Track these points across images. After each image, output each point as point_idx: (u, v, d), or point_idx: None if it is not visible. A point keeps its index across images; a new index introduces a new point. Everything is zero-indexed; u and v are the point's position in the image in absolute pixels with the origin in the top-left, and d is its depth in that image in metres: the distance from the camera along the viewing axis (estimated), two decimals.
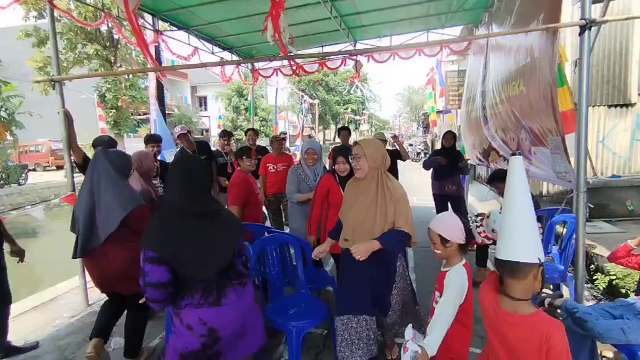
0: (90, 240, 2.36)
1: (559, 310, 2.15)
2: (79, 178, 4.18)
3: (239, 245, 1.81)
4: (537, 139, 3.16)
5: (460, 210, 5.09)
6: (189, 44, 5.98)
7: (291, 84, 32.84)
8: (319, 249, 2.52)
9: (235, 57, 7.11)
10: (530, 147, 3.38)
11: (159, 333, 3.14)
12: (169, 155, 4.92)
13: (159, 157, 4.29)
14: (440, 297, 1.83)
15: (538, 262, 1.31)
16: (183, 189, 1.66)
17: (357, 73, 7.89)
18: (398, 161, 5.23)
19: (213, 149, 5.30)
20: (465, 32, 7.43)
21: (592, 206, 3.99)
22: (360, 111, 41.67)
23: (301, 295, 2.86)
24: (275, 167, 5.04)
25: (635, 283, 3.30)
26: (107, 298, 2.74)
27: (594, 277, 4.01)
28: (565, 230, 3.44)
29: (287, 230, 5.03)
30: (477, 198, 8.72)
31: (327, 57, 7.11)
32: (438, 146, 5.98)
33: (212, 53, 6.59)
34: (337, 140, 6.06)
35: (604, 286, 3.84)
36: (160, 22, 5.38)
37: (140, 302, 1.94)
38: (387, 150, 5.11)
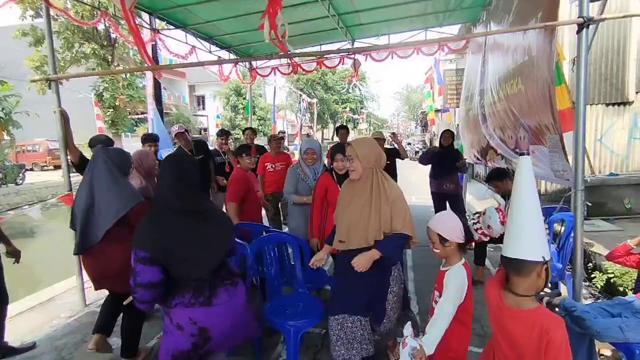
0: (89, 237, 2.35)
1: (557, 309, 2.15)
2: (76, 178, 4.16)
3: (231, 244, 1.81)
4: (535, 137, 3.16)
5: (459, 208, 5.09)
6: (186, 43, 5.96)
7: (289, 83, 32.79)
8: (317, 257, 2.40)
9: (232, 56, 7.08)
10: (529, 146, 3.37)
11: (157, 333, 3.13)
12: (166, 154, 4.89)
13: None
14: (439, 296, 1.83)
15: (542, 260, 1.34)
16: (174, 187, 1.65)
17: (356, 72, 7.88)
18: (396, 160, 5.23)
19: (211, 148, 5.29)
20: (463, 30, 7.41)
21: (590, 204, 4.00)
22: (359, 110, 41.67)
23: (299, 295, 2.86)
24: (273, 166, 5.03)
25: (633, 281, 3.31)
26: (109, 294, 2.74)
27: (592, 276, 4.01)
28: (563, 228, 3.44)
29: (285, 229, 5.02)
30: (475, 197, 8.72)
31: (325, 56, 7.08)
32: (436, 145, 5.98)
33: (210, 52, 6.57)
34: (336, 139, 6.05)
35: (602, 284, 3.84)
36: (157, 20, 5.36)
37: (125, 302, 1.92)
38: (386, 149, 5.14)
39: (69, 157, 3.56)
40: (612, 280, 3.71)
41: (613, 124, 6.42)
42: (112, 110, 16.91)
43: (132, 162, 2.89)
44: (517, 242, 1.37)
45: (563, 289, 3.35)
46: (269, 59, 7.37)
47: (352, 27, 6.31)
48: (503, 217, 1.81)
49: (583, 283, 3.01)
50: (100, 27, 15.24)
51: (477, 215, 1.92)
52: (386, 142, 5.30)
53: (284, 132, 8.55)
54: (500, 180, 3.72)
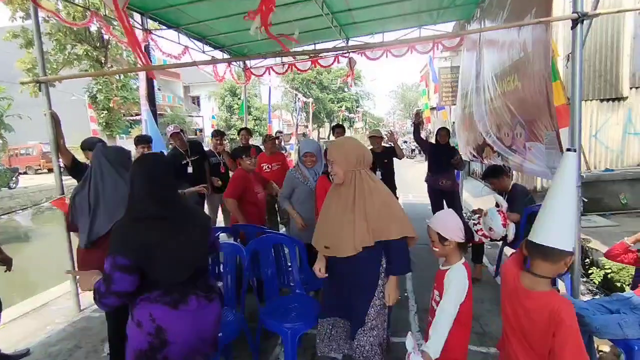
0: (96, 229, 2.32)
1: None
2: (69, 181, 4.12)
3: (210, 243, 1.76)
4: (531, 134, 3.15)
5: (455, 205, 5.08)
6: (179, 43, 5.91)
7: (285, 82, 32.74)
8: (318, 268, 2.18)
9: (226, 56, 7.04)
10: (525, 143, 3.37)
11: None
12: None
13: None
14: (439, 296, 1.82)
15: (572, 251, 1.45)
16: (147, 191, 1.58)
17: (351, 70, 7.86)
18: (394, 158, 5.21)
19: (206, 148, 5.24)
20: (457, 28, 7.42)
21: (586, 200, 3.99)
22: (355, 109, 41.65)
23: (296, 296, 2.83)
24: (269, 166, 5.00)
25: (631, 277, 3.31)
26: None
27: (589, 271, 4.01)
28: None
29: (282, 230, 4.99)
30: (472, 194, 8.74)
31: (319, 55, 7.06)
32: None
33: (203, 52, 6.52)
34: (332, 138, 6.04)
35: (599, 280, 3.85)
36: (149, 21, 5.30)
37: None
38: (384, 147, 5.13)
39: (60, 161, 3.51)
40: (609, 276, 3.71)
41: (607, 119, 6.43)
42: (106, 112, 16.78)
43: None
44: (553, 231, 1.43)
45: (561, 286, 3.34)
46: (265, 58, 7.35)
47: (346, 25, 6.29)
48: (504, 219, 1.78)
49: (580, 279, 3.00)
50: (93, 28, 15.13)
51: (477, 216, 1.89)
52: (383, 140, 5.25)
53: (282, 132, 8.50)
54: (496, 177, 3.72)
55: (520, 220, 3.39)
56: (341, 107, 38.75)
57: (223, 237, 4.03)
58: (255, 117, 26.55)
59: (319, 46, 7.10)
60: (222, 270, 2.94)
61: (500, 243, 3.90)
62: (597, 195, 5.58)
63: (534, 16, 2.88)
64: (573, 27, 2.32)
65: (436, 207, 5.26)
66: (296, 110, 26.21)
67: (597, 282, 3.88)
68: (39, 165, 19.77)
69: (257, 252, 2.91)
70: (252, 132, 6.37)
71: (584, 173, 5.47)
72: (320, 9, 5.15)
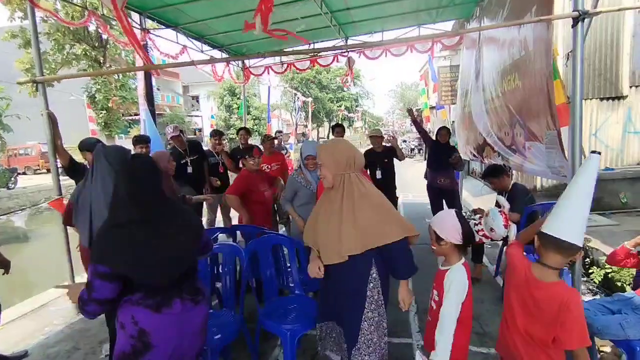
0: (93, 231, 2.29)
1: None
2: (67, 182, 4.10)
3: (199, 246, 1.72)
4: (531, 134, 3.14)
5: (455, 205, 5.06)
6: (177, 43, 5.88)
7: (284, 82, 32.70)
8: (314, 269, 2.05)
9: (225, 56, 7.02)
10: (524, 142, 3.35)
11: None
12: None
13: None
14: (438, 295, 1.82)
15: (582, 246, 1.54)
16: (130, 195, 1.54)
17: (350, 70, 7.84)
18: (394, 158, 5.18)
19: (205, 148, 5.23)
20: (456, 27, 7.40)
21: None
22: (354, 108, 41.64)
23: (296, 297, 2.82)
24: (269, 167, 4.98)
25: (631, 276, 3.30)
26: None
27: (590, 271, 4.00)
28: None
29: (281, 230, 4.98)
30: (472, 193, 8.73)
31: (318, 54, 7.03)
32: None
33: (202, 51, 6.49)
34: (331, 137, 6.03)
35: (600, 279, 3.84)
36: (147, 20, 5.28)
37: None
38: (384, 146, 5.11)
39: (58, 161, 3.49)
40: (609, 276, 3.70)
41: (607, 118, 6.42)
42: (104, 112, 16.77)
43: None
44: (570, 226, 1.50)
45: None
46: (262, 58, 7.32)
47: (345, 24, 6.26)
48: (506, 220, 1.77)
49: (581, 279, 2.99)
50: (92, 28, 15.10)
51: (478, 216, 1.87)
52: (383, 140, 5.23)
53: (281, 132, 8.47)
54: (496, 177, 3.70)
55: (520, 219, 3.39)
56: (340, 106, 38.74)
57: (222, 237, 4.01)
58: (254, 117, 26.53)
59: (317, 45, 7.08)
60: (220, 271, 2.93)
61: (500, 243, 3.88)
62: (597, 194, 5.52)
63: (535, 14, 2.86)
64: (574, 26, 2.30)
65: (435, 205, 5.24)
66: (295, 109, 26.20)
67: (597, 282, 3.87)
68: (38, 165, 19.74)
69: (257, 253, 2.89)
70: (251, 131, 6.34)
71: None
72: (319, 7, 5.13)
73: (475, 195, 8.42)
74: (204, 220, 5.06)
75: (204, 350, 1.91)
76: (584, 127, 6.18)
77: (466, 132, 5.96)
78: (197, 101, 33.81)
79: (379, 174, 4.94)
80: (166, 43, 5.79)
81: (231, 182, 5.33)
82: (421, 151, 22.00)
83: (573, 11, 2.28)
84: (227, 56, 7.01)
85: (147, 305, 1.51)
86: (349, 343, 1.87)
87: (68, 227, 3.52)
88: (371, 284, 1.86)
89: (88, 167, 3.53)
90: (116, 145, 2.81)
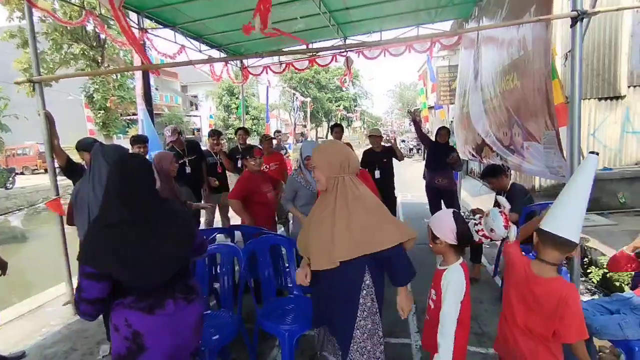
0: None
1: None
2: (64, 182, 4.09)
3: (192, 247, 1.69)
4: (529, 134, 3.14)
5: (453, 205, 5.06)
6: (175, 42, 5.87)
7: (282, 82, 32.69)
8: (301, 276, 1.99)
9: (223, 55, 7.01)
10: (523, 143, 3.35)
11: None
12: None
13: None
14: (435, 294, 1.83)
15: (579, 243, 1.61)
16: (121, 195, 1.51)
17: (348, 70, 7.84)
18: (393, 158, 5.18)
19: (203, 148, 5.21)
20: (455, 26, 7.40)
21: None
22: (353, 108, 41.67)
23: (294, 298, 2.81)
24: (267, 167, 4.97)
25: (629, 276, 3.30)
26: None
27: (588, 271, 4.00)
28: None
29: (280, 230, 4.97)
30: (470, 193, 8.74)
31: (317, 54, 7.03)
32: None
33: (200, 51, 6.48)
34: (330, 137, 6.02)
35: (598, 279, 3.84)
36: (145, 20, 5.27)
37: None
38: (383, 146, 5.10)
39: (56, 161, 3.48)
40: (608, 275, 3.70)
41: (605, 118, 6.43)
42: (103, 111, 16.73)
43: (153, 165, 2.93)
44: (569, 225, 1.57)
45: None
46: (261, 57, 7.32)
47: (343, 24, 6.26)
48: (506, 220, 1.77)
49: (579, 278, 2.99)
50: (90, 27, 15.08)
51: (478, 216, 1.86)
52: (383, 139, 5.22)
53: (280, 132, 8.46)
54: (495, 177, 3.70)
55: (518, 219, 3.38)
56: (339, 106, 38.77)
57: (220, 237, 4.00)
58: (253, 117, 26.52)
59: (316, 45, 7.07)
60: (219, 272, 2.92)
61: (498, 243, 3.88)
62: (595, 194, 5.53)
63: (533, 14, 2.86)
64: (572, 25, 2.30)
65: (433, 206, 5.24)
66: (294, 109, 26.19)
67: (595, 282, 3.87)
68: (36, 165, 19.67)
69: (255, 253, 2.88)
70: (250, 131, 6.33)
71: None
72: (317, 7, 5.13)
73: (474, 195, 8.43)
74: (202, 220, 5.05)
75: (201, 350, 1.90)
76: (582, 127, 6.14)
77: (465, 132, 5.96)
78: (196, 102, 33.76)
79: (377, 174, 4.93)
80: (164, 43, 5.79)
81: (229, 181, 5.34)
82: (420, 151, 22.00)
83: (572, 11, 2.28)
84: (226, 56, 7.00)
85: (139, 308, 1.50)
86: (342, 350, 1.81)
87: (66, 227, 3.52)
88: (364, 291, 1.78)
89: (85, 167, 3.53)
90: (114, 144, 2.81)
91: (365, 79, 55.20)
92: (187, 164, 4.60)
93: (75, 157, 3.51)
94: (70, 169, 3.42)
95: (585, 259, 4.14)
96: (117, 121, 17.86)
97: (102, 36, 15.41)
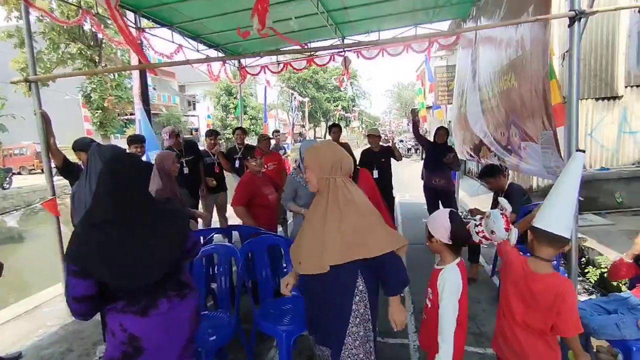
0: None
1: None
2: (61, 182, 4.07)
3: (183, 251, 1.65)
4: (526, 134, 3.14)
5: (451, 205, 5.06)
6: (173, 42, 5.85)
7: (281, 81, 32.69)
8: (283, 285, 1.97)
9: (221, 55, 6.99)
10: (520, 143, 3.35)
11: None
12: (154, 156, 4.80)
13: (143, 158, 4.18)
14: (432, 294, 1.84)
15: (570, 238, 1.71)
16: (110, 195, 1.49)
17: (346, 70, 7.83)
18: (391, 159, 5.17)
19: (201, 148, 5.20)
20: (453, 26, 7.40)
21: (582, 199, 4.00)
22: (351, 108, 41.70)
23: (292, 298, 2.79)
24: (266, 166, 4.95)
25: None
26: None
27: (585, 270, 4.01)
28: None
29: (279, 229, 4.96)
30: (468, 193, 8.75)
31: (314, 53, 7.02)
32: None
33: (197, 51, 6.47)
34: (328, 137, 6.01)
35: (596, 279, 3.84)
36: (142, 19, 5.25)
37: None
38: (382, 146, 5.10)
39: (52, 161, 3.46)
40: (605, 275, 3.71)
41: (603, 118, 6.45)
42: (100, 111, 16.67)
43: (155, 164, 3.21)
44: (561, 221, 1.64)
45: None
46: (261, 57, 7.30)
47: (341, 24, 6.25)
48: (507, 222, 1.77)
49: (577, 278, 2.99)
50: (87, 27, 15.03)
51: (479, 217, 1.87)
52: (381, 139, 5.22)
53: (278, 131, 8.43)
54: (493, 177, 3.70)
55: (516, 219, 3.39)
56: (337, 106, 38.80)
57: (218, 237, 3.99)
58: (251, 117, 26.50)
59: (314, 45, 7.07)
60: (216, 272, 2.91)
61: (496, 243, 3.87)
62: (592, 194, 5.60)
63: (532, 14, 2.86)
64: (570, 25, 2.30)
65: (431, 206, 5.24)
66: (292, 109, 26.19)
67: (593, 282, 3.88)
68: (33, 165, 19.59)
69: (252, 253, 2.87)
70: (248, 131, 6.32)
71: None
72: (315, 7, 5.12)
73: (472, 195, 8.44)
74: (200, 220, 5.04)
75: (197, 351, 1.88)
76: (580, 127, 6.17)
77: (462, 132, 5.96)
78: (194, 101, 33.70)
79: (375, 174, 4.92)
80: (161, 42, 5.77)
81: (227, 181, 5.33)
82: (418, 151, 22.02)
83: (569, 11, 2.28)
84: (223, 55, 6.99)
85: (133, 312, 1.48)
86: (333, 357, 1.76)
87: (63, 227, 3.51)
88: (357, 297, 1.71)
89: (82, 167, 3.52)
90: (111, 145, 2.80)
91: (363, 79, 55.19)
92: (184, 164, 4.59)
93: (72, 157, 3.50)
94: (67, 169, 3.41)
95: (583, 259, 4.15)
96: (114, 121, 17.80)
97: (100, 36, 15.36)
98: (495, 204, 3.66)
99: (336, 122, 10.01)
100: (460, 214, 1.87)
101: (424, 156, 5.67)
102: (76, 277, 1.42)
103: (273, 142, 7.13)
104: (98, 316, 2.65)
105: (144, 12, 5.06)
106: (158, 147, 5.05)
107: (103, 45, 15.97)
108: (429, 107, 13.86)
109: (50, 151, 3.40)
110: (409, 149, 23.34)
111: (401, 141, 25.06)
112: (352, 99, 42.13)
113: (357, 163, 3.11)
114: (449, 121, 8.29)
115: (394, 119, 60.03)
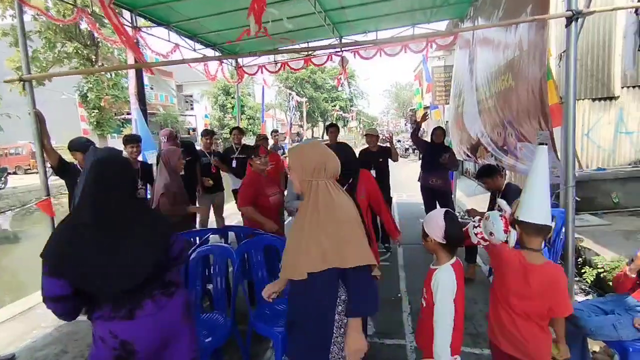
0: None
1: None
2: (57, 182, 4.03)
3: (167, 255, 1.62)
4: (522, 134, 3.14)
5: (448, 205, 5.05)
6: (169, 41, 5.83)
7: (278, 81, 32.66)
8: (269, 290, 1.90)
9: (218, 54, 6.96)
10: (516, 143, 3.35)
11: None
12: (150, 156, 4.78)
13: (139, 158, 4.15)
14: (426, 293, 1.83)
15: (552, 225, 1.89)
16: (91, 198, 1.48)
17: (344, 69, 7.83)
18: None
19: (198, 148, 5.18)
20: (450, 27, 7.41)
21: (578, 199, 4.01)
22: (348, 108, 41.69)
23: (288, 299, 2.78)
24: None
25: None
26: None
27: (582, 271, 4.01)
28: (553, 224, 3.43)
29: None
30: (465, 193, 8.76)
31: (312, 53, 7.01)
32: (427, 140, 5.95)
33: (194, 50, 6.44)
34: (326, 137, 5.99)
35: (592, 279, 3.85)
36: (139, 18, 5.22)
37: None
38: (379, 146, 5.09)
39: (47, 161, 3.43)
40: (602, 275, 3.71)
41: (599, 119, 6.45)
42: (97, 111, 16.61)
43: (161, 159, 3.33)
44: (544, 212, 1.77)
45: None
46: (258, 57, 7.28)
47: (339, 24, 6.24)
48: (506, 224, 1.77)
49: (574, 278, 2.99)
50: (84, 26, 14.97)
51: (478, 218, 1.87)
52: (379, 139, 5.21)
53: (277, 132, 8.41)
54: (490, 177, 3.69)
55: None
56: (335, 106, 38.79)
57: (214, 238, 3.98)
58: (248, 117, 26.46)
59: (311, 44, 7.05)
60: (212, 273, 2.89)
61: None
62: (589, 195, 5.60)
63: (530, 14, 2.86)
64: (567, 25, 2.30)
65: (428, 206, 5.23)
66: (290, 109, 26.16)
67: (590, 282, 3.88)
68: (29, 165, 19.46)
69: (248, 254, 2.86)
70: (245, 131, 6.30)
71: (577, 172, 5.49)
72: (312, 6, 5.11)
73: (469, 195, 8.44)
74: (197, 220, 5.02)
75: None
76: (576, 128, 6.21)
77: (460, 132, 5.97)
78: (191, 101, 33.61)
79: (372, 174, 4.91)
80: (158, 41, 5.74)
81: (224, 181, 5.32)
82: (415, 151, 22.06)
83: (567, 11, 2.28)
84: (220, 55, 6.96)
85: (120, 317, 1.47)
86: None
87: None
88: (340, 307, 1.62)
89: (78, 167, 3.49)
90: (108, 147, 2.78)
91: (361, 79, 55.17)
92: None
93: (69, 156, 3.47)
94: (63, 169, 3.38)
95: (580, 259, 4.15)
96: (111, 120, 17.74)
97: (96, 34, 15.31)
98: (492, 204, 3.66)
99: (334, 122, 9.99)
100: (458, 214, 1.87)
101: (421, 157, 5.66)
102: (49, 276, 1.42)
103: (271, 142, 7.13)
104: None
105: (141, 11, 5.03)
106: (154, 147, 5.03)
107: (100, 44, 15.90)
108: (426, 107, 13.88)
109: (45, 151, 3.37)
110: (406, 149, 23.36)
111: (399, 141, 25.10)
112: (349, 99, 42.13)
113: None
114: (446, 121, 8.31)
115: (392, 119, 60.13)
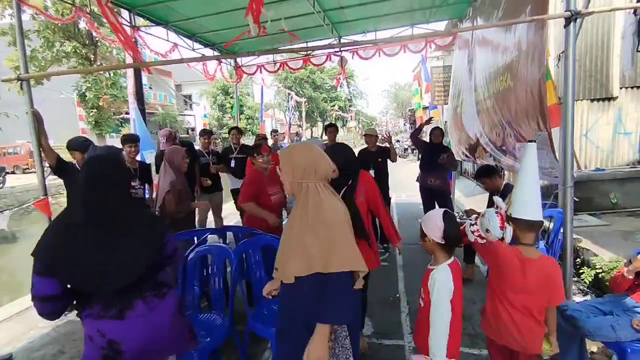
0: None
1: None
2: (55, 181, 4.02)
3: (161, 254, 1.62)
4: (520, 135, 3.14)
5: (446, 206, 5.05)
6: (168, 40, 5.81)
7: (277, 81, 32.63)
8: (269, 289, 1.86)
9: (216, 54, 6.95)
10: (515, 144, 3.35)
11: None
12: (148, 155, 4.77)
13: (137, 158, 4.14)
14: (424, 292, 1.84)
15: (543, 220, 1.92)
16: (84, 197, 1.47)
17: (343, 69, 7.82)
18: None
19: (197, 148, 5.17)
20: (449, 27, 7.41)
21: (577, 200, 4.01)
22: (347, 108, 41.67)
23: None
24: None
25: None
26: None
27: (580, 271, 4.02)
28: (552, 224, 3.43)
29: None
30: (464, 193, 8.76)
31: (311, 53, 7.00)
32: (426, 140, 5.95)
33: (193, 49, 6.43)
34: (325, 137, 6.00)
35: (590, 280, 3.85)
36: (137, 18, 5.21)
37: None
38: (378, 146, 5.08)
39: (45, 161, 3.42)
40: (600, 276, 3.71)
41: (598, 119, 6.47)
42: (95, 110, 16.58)
43: (165, 158, 3.34)
44: (535, 208, 1.83)
45: None
46: (257, 56, 7.27)
47: (338, 24, 6.24)
48: (502, 221, 1.77)
49: (572, 279, 2.99)
50: (82, 25, 14.94)
51: (475, 216, 1.88)
52: (378, 139, 5.20)
53: (277, 131, 8.39)
54: (488, 177, 3.70)
55: None
56: (334, 106, 38.76)
57: (213, 238, 3.97)
58: (247, 116, 26.42)
59: (310, 44, 7.05)
60: (210, 273, 2.88)
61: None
62: (587, 195, 5.61)
63: (529, 15, 2.86)
64: (566, 26, 2.30)
65: (427, 206, 5.23)
66: (289, 109, 26.13)
67: (588, 282, 3.88)
68: (27, 164, 19.41)
69: (246, 254, 2.85)
70: (245, 131, 6.30)
71: (575, 172, 5.49)
72: (311, 6, 5.10)
73: (468, 195, 8.44)
74: (196, 219, 5.01)
75: (190, 352, 1.85)
76: (575, 128, 6.21)
77: (458, 132, 5.97)
78: (190, 100, 33.56)
79: (371, 174, 4.91)
80: (157, 41, 5.73)
81: (222, 181, 5.31)
82: (414, 151, 22.08)
83: (565, 11, 2.28)
84: (219, 54, 6.95)
85: (109, 316, 1.47)
86: None
87: None
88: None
89: (77, 166, 3.49)
90: (107, 146, 2.77)
91: (360, 79, 55.14)
92: None
93: (67, 156, 3.46)
94: (61, 168, 3.38)
95: (578, 260, 4.15)
96: (109, 120, 17.71)
97: (94, 34, 15.29)
98: (491, 205, 3.66)
99: (332, 122, 9.98)
100: (456, 214, 1.88)
101: (420, 157, 5.66)
102: (39, 275, 1.41)
103: (271, 141, 7.12)
104: None
105: (139, 10, 5.02)
106: (153, 147, 5.02)
107: (98, 43, 15.87)
108: (425, 108, 13.88)
109: (43, 150, 3.37)
110: (405, 149, 23.39)
111: (397, 141, 25.10)
112: (348, 99, 42.12)
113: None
114: (445, 121, 8.31)
115: (391, 119, 60.14)
